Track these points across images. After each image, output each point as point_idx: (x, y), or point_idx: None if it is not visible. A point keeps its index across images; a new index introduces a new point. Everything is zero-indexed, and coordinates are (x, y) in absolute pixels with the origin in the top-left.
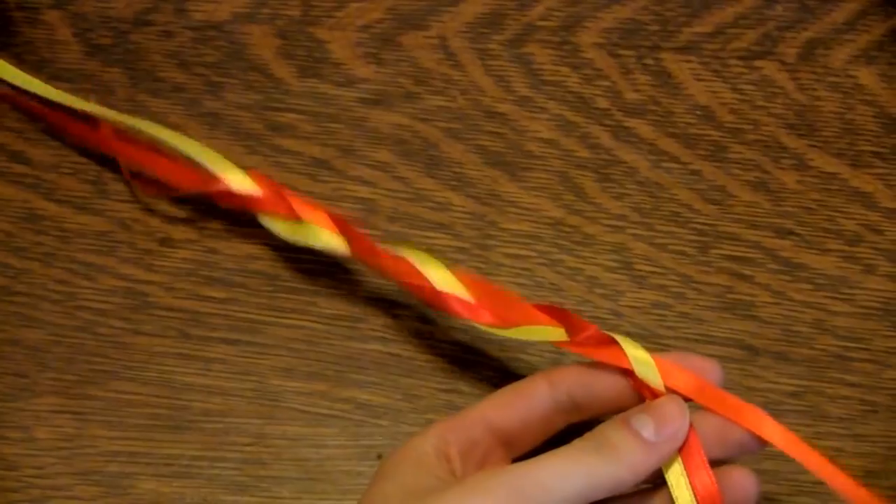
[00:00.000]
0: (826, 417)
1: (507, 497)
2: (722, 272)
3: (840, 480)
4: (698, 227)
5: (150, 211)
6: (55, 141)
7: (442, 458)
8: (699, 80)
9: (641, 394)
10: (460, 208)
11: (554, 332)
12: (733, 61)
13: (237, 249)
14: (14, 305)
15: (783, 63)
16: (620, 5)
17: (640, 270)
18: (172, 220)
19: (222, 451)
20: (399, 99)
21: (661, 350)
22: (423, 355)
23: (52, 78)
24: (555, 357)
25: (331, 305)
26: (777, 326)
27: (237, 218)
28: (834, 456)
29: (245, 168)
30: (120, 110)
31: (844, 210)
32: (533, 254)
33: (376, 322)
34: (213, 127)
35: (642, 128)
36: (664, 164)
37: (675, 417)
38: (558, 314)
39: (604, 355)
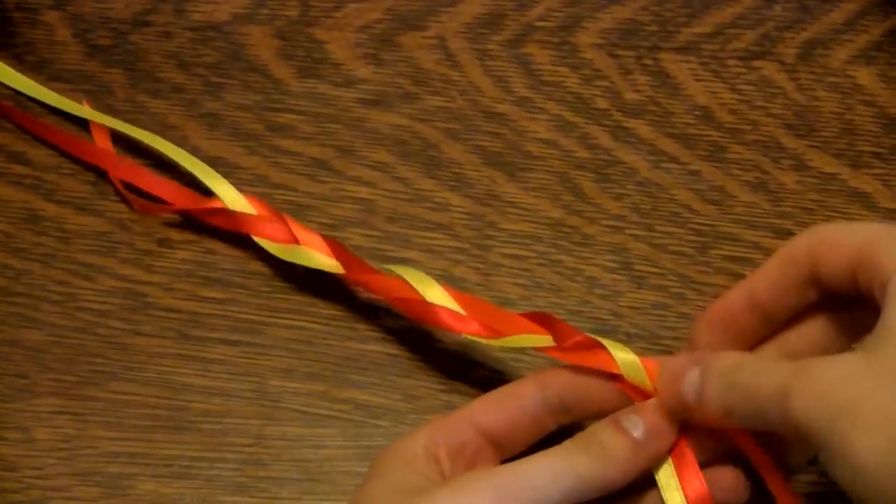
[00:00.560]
0: None
1: (495, 497)
2: (721, 273)
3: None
4: (697, 227)
5: (150, 212)
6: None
7: (431, 459)
8: (698, 80)
9: (630, 396)
10: (459, 209)
11: (541, 340)
12: (732, 62)
13: (236, 250)
14: (14, 306)
15: (782, 63)
16: (619, 6)
17: (639, 271)
18: (171, 221)
19: (222, 451)
20: (398, 99)
21: (661, 351)
22: (423, 356)
23: (52, 78)
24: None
25: (330, 306)
26: None
27: None
28: None
29: (241, 189)
30: (119, 111)
31: (844, 210)
32: (532, 254)
33: (376, 323)
34: (213, 127)
35: (641, 128)
36: (663, 165)
37: (665, 418)
38: (545, 321)
39: (592, 360)
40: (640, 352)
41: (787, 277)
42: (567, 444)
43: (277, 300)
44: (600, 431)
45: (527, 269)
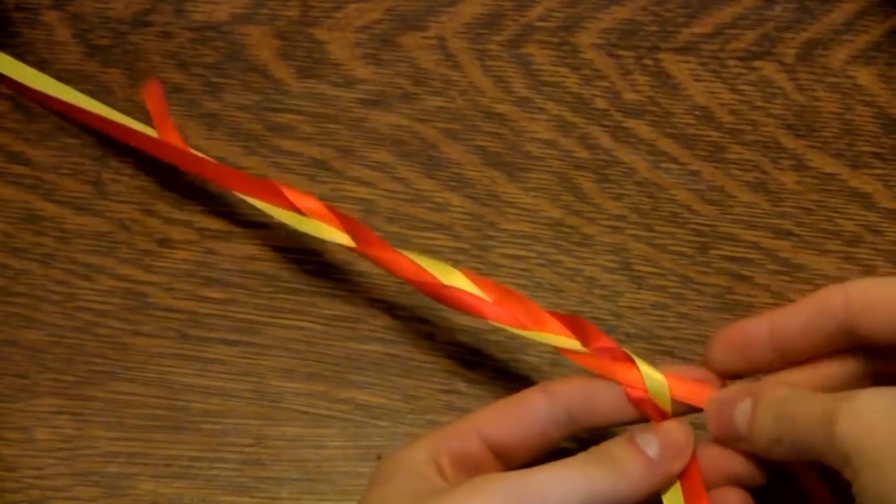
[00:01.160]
0: None
1: (504, 501)
2: (721, 273)
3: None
4: (697, 227)
5: (149, 212)
6: (55, 142)
7: (434, 467)
8: (698, 80)
9: (647, 414)
10: (459, 209)
11: (569, 342)
12: (732, 62)
13: (236, 250)
14: (13, 306)
15: (782, 63)
16: (619, 6)
17: (639, 271)
18: (171, 220)
19: (221, 451)
20: (398, 99)
21: (661, 350)
22: (423, 356)
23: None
24: (554, 359)
25: (330, 306)
26: None
27: (236, 218)
28: None
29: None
30: (119, 111)
31: (843, 211)
32: (532, 254)
33: (376, 323)
34: (212, 127)
35: (641, 128)
36: (663, 165)
37: (680, 440)
38: (575, 324)
39: (616, 373)
40: (640, 352)
41: (816, 325)
42: (580, 455)
43: (277, 300)
44: (614, 447)
45: (526, 270)
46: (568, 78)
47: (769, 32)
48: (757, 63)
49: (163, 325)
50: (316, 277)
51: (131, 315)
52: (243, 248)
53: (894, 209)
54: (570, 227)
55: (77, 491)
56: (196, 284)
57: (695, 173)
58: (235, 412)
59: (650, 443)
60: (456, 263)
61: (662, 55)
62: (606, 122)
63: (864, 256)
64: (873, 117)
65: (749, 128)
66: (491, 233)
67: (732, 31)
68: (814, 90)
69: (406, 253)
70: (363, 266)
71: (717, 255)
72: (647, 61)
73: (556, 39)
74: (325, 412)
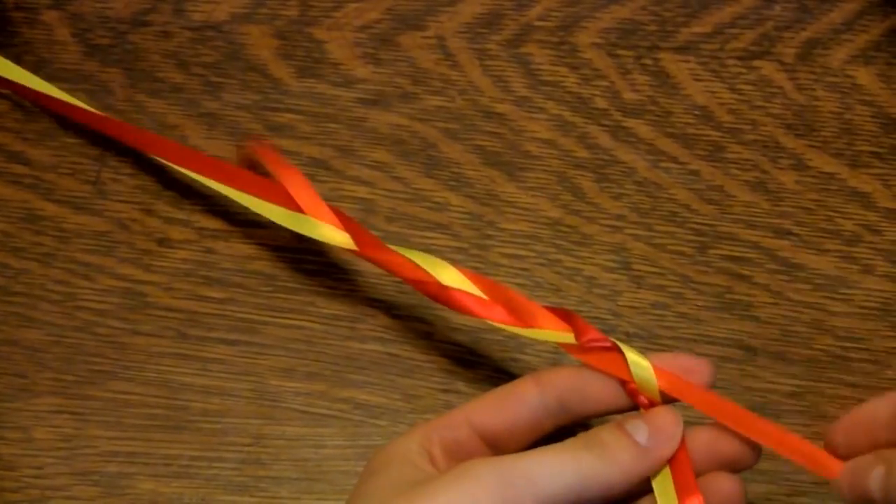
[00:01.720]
0: (825, 418)
1: (495, 484)
2: (720, 272)
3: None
4: (697, 227)
5: (149, 211)
6: (54, 141)
7: (426, 457)
8: (697, 80)
9: (636, 401)
10: (458, 208)
11: (564, 336)
12: (731, 61)
13: (235, 250)
14: (13, 306)
15: (781, 63)
16: (619, 5)
17: (638, 270)
18: (171, 220)
19: (221, 451)
20: (397, 99)
21: (660, 349)
22: (422, 355)
23: (51, 78)
24: (553, 357)
25: (329, 305)
26: (776, 326)
27: (235, 218)
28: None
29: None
30: (119, 110)
31: (843, 210)
32: (531, 254)
33: (375, 322)
34: (212, 127)
35: (641, 128)
36: (662, 164)
37: (669, 426)
38: (566, 317)
39: (605, 362)
40: (639, 351)
41: None
42: (570, 441)
43: (277, 300)
44: (604, 432)
45: (526, 269)
46: (567, 77)
47: (769, 32)
48: (756, 62)
49: (162, 325)
50: (315, 277)
51: (131, 314)
52: (242, 248)
53: (893, 209)
54: (570, 226)
55: (76, 490)
56: (195, 284)
57: (694, 173)
58: (235, 411)
59: (639, 429)
60: (455, 263)
61: (662, 55)
62: (606, 122)
63: (864, 256)
64: (873, 117)
65: (748, 127)
66: (490, 232)
67: (732, 30)
68: (813, 90)
69: (398, 249)
70: (362, 266)
71: (717, 254)
72: (647, 61)
73: (555, 39)
74: (324, 411)
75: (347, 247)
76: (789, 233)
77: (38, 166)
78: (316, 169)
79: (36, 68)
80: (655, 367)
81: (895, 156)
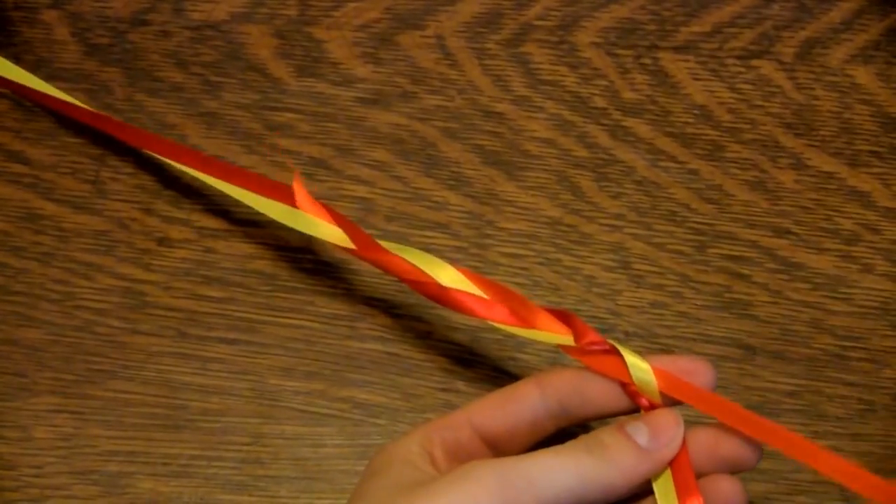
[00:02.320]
0: (824, 417)
1: (496, 486)
2: (719, 271)
3: (860, 480)
4: (696, 226)
5: (148, 210)
6: (54, 140)
7: (427, 458)
8: (697, 79)
9: (637, 403)
10: (458, 208)
11: (563, 339)
12: (731, 61)
13: (235, 249)
14: (12, 305)
15: (780, 62)
16: (618, 5)
17: (637, 270)
18: (170, 219)
19: (220, 450)
20: (396, 98)
21: (660, 350)
22: (422, 355)
23: (50, 77)
24: (552, 357)
25: (329, 305)
26: (775, 326)
27: (235, 217)
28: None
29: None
30: (118, 110)
31: (842, 209)
32: (531, 253)
33: (374, 321)
34: (211, 126)
35: (640, 127)
36: (662, 164)
37: (670, 427)
38: (565, 318)
39: (604, 364)
40: (639, 350)
41: None
42: (571, 443)
43: (276, 299)
44: (605, 435)
45: (525, 268)
46: (566, 77)
47: (768, 31)
48: (755, 62)
49: (162, 324)
50: (314, 276)
51: (130, 314)
52: (242, 247)
53: (893, 208)
54: (569, 225)
55: (76, 489)
56: (195, 283)
57: (693, 172)
58: (234, 411)
59: (640, 430)
60: (455, 262)
61: (661, 54)
62: (605, 121)
63: (863, 255)
64: (872, 116)
65: (748, 126)
66: (489, 231)
67: (731, 29)
68: (812, 89)
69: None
70: (362, 265)
71: (716, 253)
72: (646, 60)
73: (554, 38)
74: (323, 411)
75: (346, 245)
76: (788, 232)
77: (38, 165)
78: (315, 168)
79: (35, 68)
80: (655, 369)
81: (894, 155)
